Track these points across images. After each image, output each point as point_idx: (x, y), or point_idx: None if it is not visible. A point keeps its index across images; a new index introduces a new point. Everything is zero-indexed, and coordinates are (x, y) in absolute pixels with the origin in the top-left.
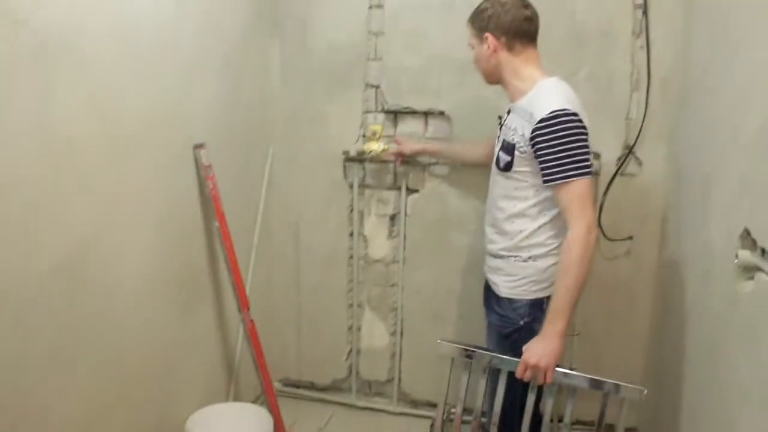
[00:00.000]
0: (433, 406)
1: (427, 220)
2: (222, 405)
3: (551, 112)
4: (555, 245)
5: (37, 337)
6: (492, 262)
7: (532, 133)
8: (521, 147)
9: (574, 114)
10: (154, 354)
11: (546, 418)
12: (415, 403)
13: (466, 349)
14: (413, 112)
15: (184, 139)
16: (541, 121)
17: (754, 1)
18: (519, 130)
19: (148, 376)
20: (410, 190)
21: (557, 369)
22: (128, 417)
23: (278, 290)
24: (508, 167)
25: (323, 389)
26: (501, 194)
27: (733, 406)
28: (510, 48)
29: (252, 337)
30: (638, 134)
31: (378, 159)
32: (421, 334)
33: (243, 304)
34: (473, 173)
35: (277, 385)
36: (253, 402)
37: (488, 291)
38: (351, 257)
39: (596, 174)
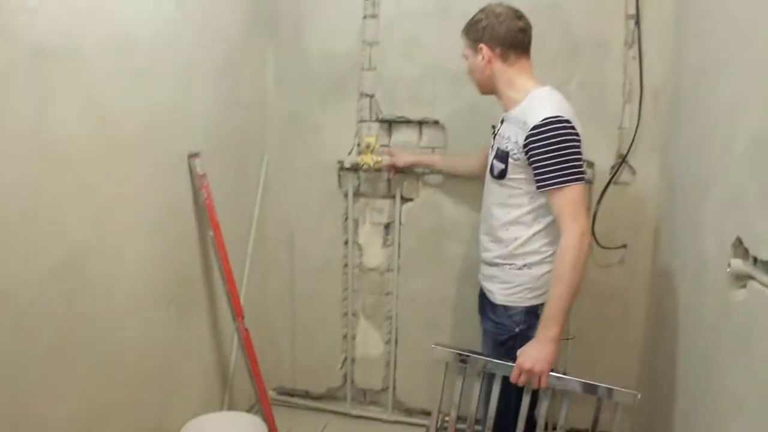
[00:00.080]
0: (428, 414)
1: (422, 229)
2: (216, 414)
3: (544, 119)
4: (550, 253)
5: (35, 339)
6: (487, 270)
7: (525, 140)
8: (515, 154)
9: (567, 121)
10: (148, 362)
11: (540, 422)
12: (409, 412)
13: (460, 354)
14: (408, 122)
15: (179, 148)
16: (534, 128)
17: (744, 14)
18: (513, 137)
19: (142, 383)
20: (405, 199)
21: (551, 373)
22: (123, 424)
23: (273, 299)
24: (502, 175)
25: (318, 398)
26: (495, 202)
27: (726, 415)
28: (504, 58)
29: (246, 345)
30: (631, 143)
31: (372, 171)
32: (415, 342)
33: (237, 313)
34: (467, 182)
35: (271, 393)
36: (248, 411)
37: (483, 298)
38: (346, 266)
39: (590, 182)
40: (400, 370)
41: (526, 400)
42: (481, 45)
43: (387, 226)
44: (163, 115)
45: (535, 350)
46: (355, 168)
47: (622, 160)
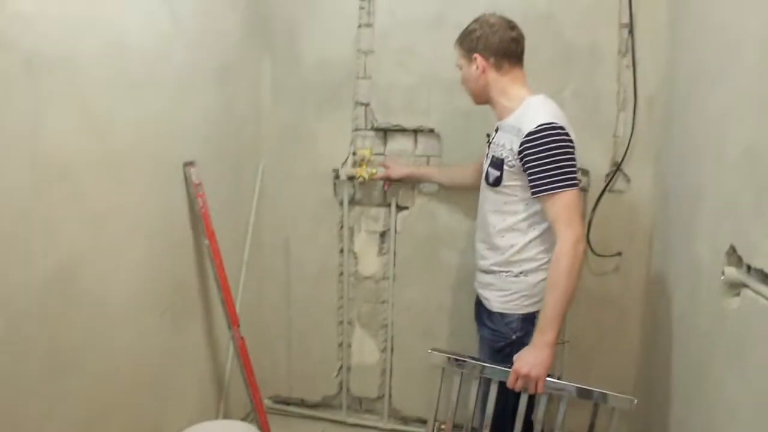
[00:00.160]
0: (424, 422)
1: (417, 237)
2: (212, 422)
3: (539, 126)
4: (545, 260)
5: (30, 347)
6: (483, 277)
7: (520, 147)
8: (510, 161)
9: (561, 128)
10: (143, 370)
11: (537, 427)
12: (405, 420)
13: (457, 359)
14: (403, 130)
15: (174, 157)
16: (529, 134)
17: (736, 24)
18: (507, 145)
19: (138, 391)
20: (400, 207)
21: (548, 379)
22: None
23: (268, 307)
24: (497, 182)
25: (313, 406)
26: (491, 209)
27: (721, 422)
28: (498, 68)
29: (242, 354)
30: (626, 152)
31: (367, 183)
32: (411, 350)
33: (233, 321)
34: (462, 190)
35: (267, 402)
36: (243, 419)
37: (479, 306)
38: (341, 274)
39: (585, 190)
40: (396, 378)
41: (522, 406)
42: (476, 55)
43: (382, 235)
44: (159, 123)
45: (531, 355)
46: (351, 178)
47: (617, 168)
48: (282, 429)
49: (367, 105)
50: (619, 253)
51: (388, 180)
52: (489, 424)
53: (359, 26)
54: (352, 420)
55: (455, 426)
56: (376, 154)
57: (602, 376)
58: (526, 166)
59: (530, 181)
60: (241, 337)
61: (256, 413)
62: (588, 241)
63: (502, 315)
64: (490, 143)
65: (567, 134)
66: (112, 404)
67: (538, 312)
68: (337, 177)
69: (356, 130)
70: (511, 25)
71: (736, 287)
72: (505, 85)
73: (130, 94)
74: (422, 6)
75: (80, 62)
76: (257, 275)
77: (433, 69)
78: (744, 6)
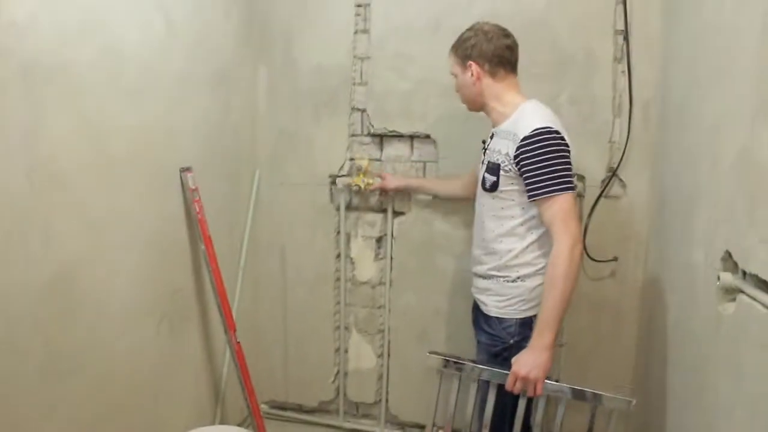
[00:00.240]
0: (421, 427)
1: (414, 243)
2: (208, 428)
3: (534, 130)
4: (543, 264)
5: (27, 353)
6: (480, 283)
7: (516, 151)
8: (506, 166)
9: (557, 132)
10: (140, 375)
11: (536, 430)
12: (402, 425)
13: (456, 361)
14: (399, 136)
15: (171, 163)
16: (524, 138)
17: (730, 30)
18: (503, 150)
19: (134, 397)
20: (396, 213)
21: (546, 381)
22: None
23: (265, 312)
24: (494, 187)
25: (310, 411)
26: (488, 215)
27: (717, 426)
28: (493, 75)
29: (239, 359)
30: (621, 157)
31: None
32: (408, 355)
33: (229, 327)
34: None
35: (263, 407)
36: (240, 424)
37: (477, 311)
38: (338, 279)
39: (581, 196)
40: (393, 383)
41: (521, 408)
42: (471, 62)
43: (379, 240)
44: (155, 130)
45: (530, 358)
46: (348, 186)
47: (613, 173)
48: None
49: (363, 111)
50: (615, 258)
51: (384, 191)
52: (487, 428)
53: (355, 32)
54: (348, 425)
55: (453, 430)
56: (373, 159)
57: (599, 379)
58: (523, 170)
59: (527, 184)
60: (238, 342)
61: (252, 418)
62: (584, 247)
63: (499, 320)
64: (485, 149)
65: (562, 138)
66: (110, 408)
67: (535, 316)
68: (333, 183)
69: (353, 136)
70: (506, 33)
71: (731, 292)
72: (499, 91)
73: (127, 101)
74: (418, 12)
75: (76, 69)
76: (254, 280)
77: (429, 75)
78: (738, 12)
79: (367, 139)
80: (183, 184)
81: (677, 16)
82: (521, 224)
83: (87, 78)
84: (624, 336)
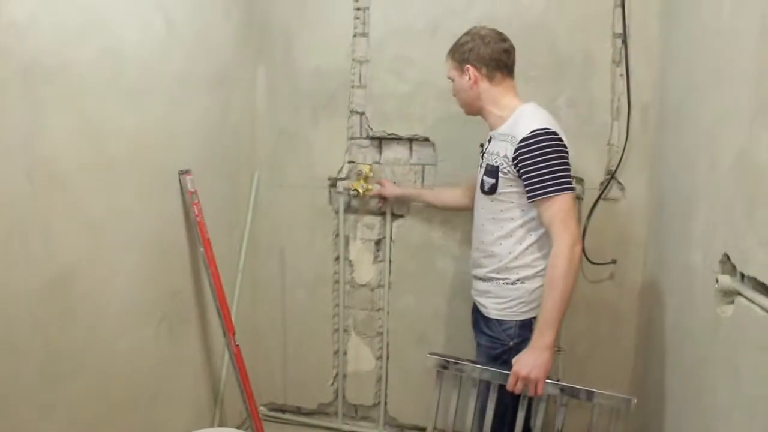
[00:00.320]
0: (420, 429)
1: (412, 245)
2: (207, 430)
3: (532, 131)
4: (542, 266)
5: (26, 355)
6: (480, 285)
7: (514, 153)
8: (505, 168)
9: (555, 133)
10: (139, 377)
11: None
12: (401, 428)
13: (456, 362)
14: (398, 139)
15: (170, 165)
16: (523, 140)
17: (728, 32)
18: (501, 152)
19: (133, 399)
20: (395, 216)
21: (547, 381)
22: None
23: (264, 315)
24: (493, 189)
25: (309, 414)
26: (488, 217)
27: (716, 429)
28: (490, 79)
29: (237, 361)
30: (620, 160)
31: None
32: (407, 358)
33: (228, 329)
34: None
35: (262, 409)
36: (239, 427)
37: (476, 313)
38: (337, 282)
39: (579, 198)
40: (392, 386)
41: (522, 408)
42: (468, 66)
43: (378, 243)
44: (154, 131)
45: (530, 358)
46: (347, 191)
47: (611, 176)
48: None
49: (362, 114)
50: (614, 261)
51: (382, 198)
52: (488, 430)
53: (354, 35)
54: (347, 427)
55: None
56: (374, 163)
57: (598, 382)
58: (522, 171)
59: (526, 186)
60: (237, 345)
61: (251, 421)
62: (583, 249)
63: (499, 322)
64: (483, 153)
65: (560, 139)
66: (109, 410)
67: (535, 318)
68: (332, 186)
69: (351, 138)
70: (503, 37)
71: (729, 295)
72: (496, 95)
73: (126, 102)
74: (416, 15)
75: (76, 70)
76: (253, 283)
77: (427, 78)
78: (736, 15)
79: (366, 142)
80: (182, 187)
81: (675, 19)
82: (521, 226)
83: (87, 78)
84: (623, 338)
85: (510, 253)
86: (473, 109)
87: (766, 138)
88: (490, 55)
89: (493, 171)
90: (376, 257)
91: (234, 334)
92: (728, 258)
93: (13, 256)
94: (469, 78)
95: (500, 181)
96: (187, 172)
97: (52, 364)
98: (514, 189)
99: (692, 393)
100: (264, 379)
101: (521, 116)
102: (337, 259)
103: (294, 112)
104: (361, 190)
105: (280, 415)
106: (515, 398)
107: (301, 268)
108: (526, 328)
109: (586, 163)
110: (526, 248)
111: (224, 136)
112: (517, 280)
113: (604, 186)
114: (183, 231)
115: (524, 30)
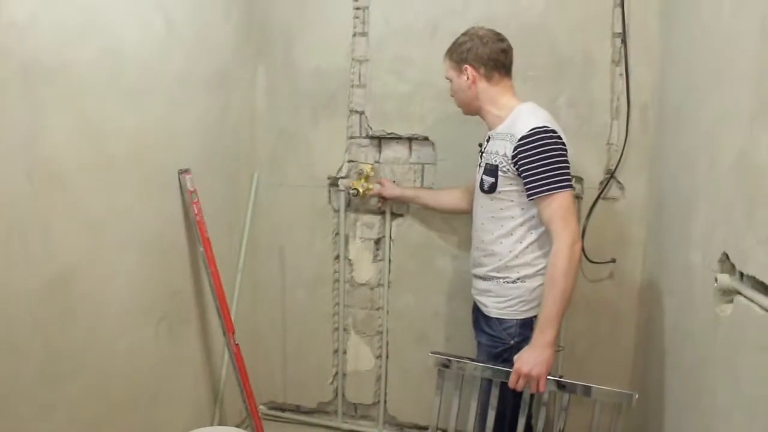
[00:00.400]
0: (419, 428)
1: (412, 244)
2: (207, 429)
3: (531, 130)
4: (543, 265)
5: (26, 355)
6: (480, 284)
7: (514, 151)
8: (504, 167)
9: (554, 131)
10: (139, 376)
11: (539, 426)
12: (400, 426)
13: (458, 360)
14: (398, 138)
15: (169, 165)
16: (522, 138)
17: (727, 32)
18: (501, 151)
19: (133, 399)
20: (395, 215)
21: (549, 377)
22: None
23: (264, 314)
24: (492, 188)
25: (309, 412)
26: (487, 216)
27: (716, 429)
28: (489, 78)
29: (237, 360)
30: (619, 159)
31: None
32: (406, 357)
33: (228, 328)
34: (449, 210)
35: (262, 408)
36: (239, 426)
37: (477, 312)
38: (336, 281)
39: (579, 198)
40: (391, 385)
41: (525, 405)
42: (466, 66)
43: (377, 242)
44: (154, 131)
45: (532, 355)
46: (347, 190)
47: (611, 175)
48: None
49: (361, 113)
50: (614, 260)
51: (382, 198)
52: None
53: (354, 35)
54: (347, 426)
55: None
56: (374, 162)
57: (597, 381)
58: (521, 169)
59: (525, 183)
60: (236, 344)
61: (251, 420)
62: (582, 248)
63: (500, 321)
64: (482, 153)
65: (559, 137)
66: (109, 409)
67: (536, 317)
68: (332, 185)
69: (351, 138)
70: (500, 38)
71: (729, 294)
72: (494, 95)
73: (126, 101)
74: (416, 15)
75: (76, 70)
76: (252, 282)
77: (427, 77)
78: (736, 15)
79: (366, 141)
80: (182, 186)
81: (675, 19)
82: (521, 224)
83: (87, 78)
84: (622, 338)
85: (510, 251)
86: (471, 108)
87: (766, 138)
88: (488, 55)
89: (492, 170)
90: (375, 256)
91: (234, 333)
92: (727, 257)
93: (13, 256)
94: (467, 78)
95: (500, 179)
96: (186, 171)
97: (52, 364)
98: (514, 187)
99: (692, 393)
100: (264, 378)
101: (520, 115)
102: (337, 258)
103: (294, 111)
104: (361, 189)
105: (279, 413)
106: (517, 396)
107: (301, 268)
108: (526, 326)
109: (586, 162)
110: (527, 246)
111: (224, 136)
112: (518, 278)
113: (604, 185)
114: (183, 230)
115: (524, 30)
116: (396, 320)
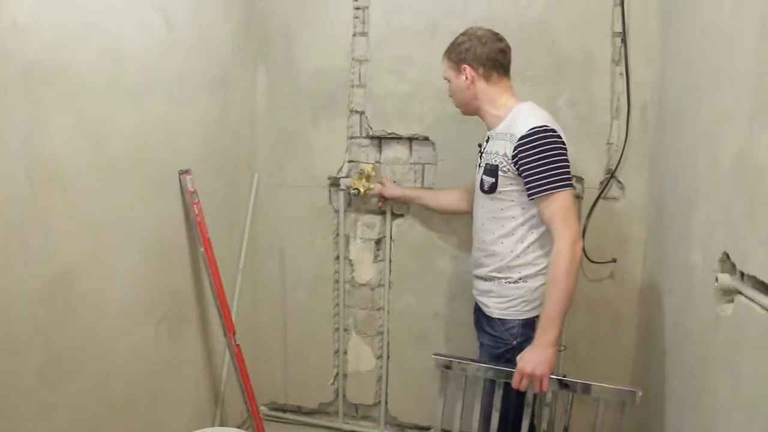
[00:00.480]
0: (420, 428)
1: (413, 245)
2: (208, 430)
3: (531, 129)
4: (544, 265)
5: (26, 355)
6: (482, 285)
7: (514, 151)
8: (504, 166)
9: (553, 130)
10: (140, 376)
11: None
12: (401, 427)
13: (461, 362)
14: (398, 138)
15: (170, 165)
16: (521, 138)
17: (727, 32)
18: (500, 151)
19: (134, 399)
20: (395, 215)
21: (552, 377)
22: None
23: (264, 315)
24: (492, 189)
25: (310, 413)
26: (488, 217)
27: (717, 428)
28: (487, 78)
29: (238, 361)
30: (620, 159)
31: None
32: (407, 357)
33: (229, 329)
34: (448, 211)
35: (263, 409)
36: (240, 427)
37: (478, 312)
38: (337, 281)
39: (579, 197)
40: (392, 385)
41: (528, 405)
42: (465, 66)
43: (378, 242)
44: (154, 132)
45: (534, 354)
46: (348, 190)
47: (611, 175)
48: None
49: (362, 113)
50: (614, 260)
51: (382, 198)
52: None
53: (354, 35)
54: (348, 427)
55: None
56: (374, 162)
57: (598, 381)
58: (521, 168)
59: (526, 183)
60: (237, 345)
61: (252, 420)
62: (583, 248)
63: (502, 321)
64: (481, 153)
65: (559, 136)
66: (109, 410)
67: (537, 317)
68: (333, 185)
69: (351, 138)
70: (499, 38)
71: (729, 294)
72: (493, 94)
73: (126, 102)
74: (416, 15)
75: (77, 70)
76: (253, 283)
77: (427, 77)
78: (736, 14)
79: (366, 142)
80: (182, 187)
81: (675, 19)
82: (522, 224)
83: (87, 79)
84: (623, 338)
85: (512, 251)
86: (470, 109)
87: (766, 138)
88: (487, 55)
89: (492, 170)
90: (376, 256)
91: (234, 334)
92: (728, 257)
93: (13, 256)
94: (466, 78)
95: (500, 179)
96: (187, 172)
97: (52, 364)
98: (514, 187)
99: (692, 392)
100: (265, 378)
101: (519, 114)
102: (338, 258)
103: (294, 112)
104: (362, 189)
105: (280, 414)
106: (520, 396)
107: (302, 268)
108: (529, 326)
109: (586, 162)
110: (528, 246)
111: (224, 136)
112: (519, 278)
113: (604, 185)
114: (183, 231)
115: (524, 30)
116: (397, 321)
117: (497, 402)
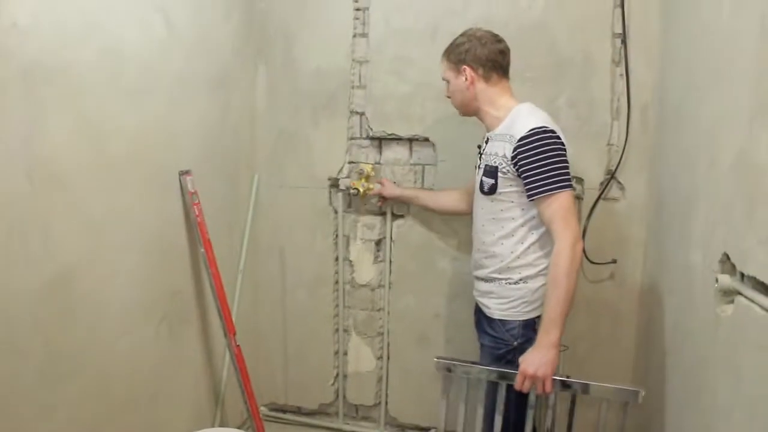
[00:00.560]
0: (420, 429)
1: (413, 245)
2: (208, 430)
3: (531, 130)
4: (545, 265)
5: (26, 356)
6: (482, 286)
7: (513, 152)
8: (504, 167)
9: (552, 131)
10: (140, 377)
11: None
12: (401, 427)
13: (463, 364)
14: (398, 139)
15: (170, 166)
16: (521, 139)
17: (727, 32)
18: (500, 152)
19: (134, 400)
20: (395, 216)
21: (554, 378)
22: None
23: (265, 315)
24: (492, 190)
25: (310, 414)
26: (488, 218)
27: (716, 428)
28: (487, 79)
29: (238, 362)
30: (620, 160)
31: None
32: (407, 358)
33: (229, 330)
34: (447, 211)
35: (263, 409)
36: (240, 427)
37: (479, 314)
38: (337, 282)
39: (579, 198)
40: (392, 386)
41: (531, 406)
42: (464, 66)
43: (378, 243)
44: (154, 132)
45: (537, 356)
46: (348, 190)
47: (611, 176)
48: None
49: (362, 114)
50: (614, 261)
51: (382, 198)
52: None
53: (354, 36)
54: (348, 428)
55: None
56: (374, 163)
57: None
58: (521, 170)
59: (525, 184)
60: (237, 345)
61: (252, 421)
62: (583, 249)
63: (503, 322)
64: (481, 154)
65: (558, 137)
66: (109, 410)
67: (538, 318)
68: (333, 185)
69: (351, 138)
70: (498, 38)
71: (729, 294)
72: (493, 95)
73: (126, 102)
74: (416, 16)
75: (77, 70)
76: (253, 283)
77: (427, 78)
78: (736, 15)
79: (366, 142)
80: (182, 187)
81: (675, 19)
82: (522, 225)
83: (87, 79)
84: (623, 338)
85: (512, 252)
86: (469, 110)
87: (766, 138)
88: (487, 56)
89: (492, 171)
90: (376, 257)
91: (235, 334)
92: (728, 257)
93: (13, 256)
94: (466, 78)
95: (500, 180)
96: (187, 172)
97: (52, 364)
98: (514, 188)
99: (692, 392)
100: (265, 379)
101: (518, 115)
102: (337, 259)
103: (294, 112)
104: (362, 189)
105: (281, 415)
106: (523, 397)
107: (302, 269)
108: (529, 327)
109: (586, 163)
110: (528, 247)
111: (224, 137)
112: (520, 279)
113: (604, 186)
114: (183, 231)
115: (524, 30)
116: (397, 321)
117: (500, 404)
